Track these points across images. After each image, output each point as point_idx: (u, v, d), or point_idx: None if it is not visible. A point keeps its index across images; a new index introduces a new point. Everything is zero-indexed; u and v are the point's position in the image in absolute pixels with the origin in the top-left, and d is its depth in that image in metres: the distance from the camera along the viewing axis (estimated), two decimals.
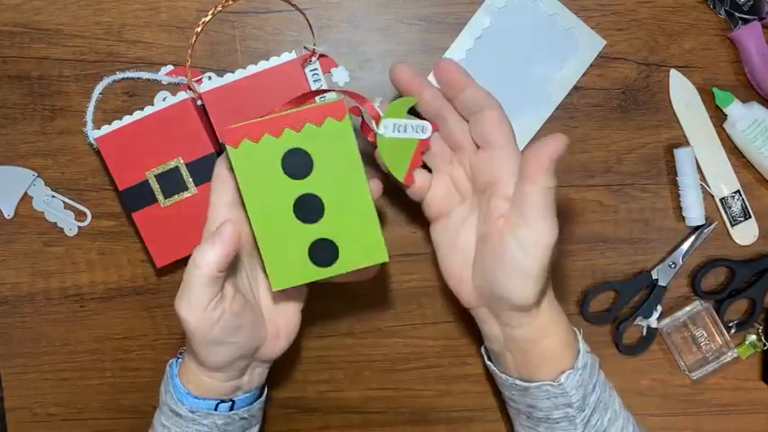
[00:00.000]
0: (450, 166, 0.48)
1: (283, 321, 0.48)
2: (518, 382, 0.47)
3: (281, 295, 0.47)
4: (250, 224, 0.43)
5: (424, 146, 0.47)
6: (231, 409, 0.47)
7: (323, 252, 0.43)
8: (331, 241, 0.43)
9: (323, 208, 0.43)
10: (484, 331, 0.49)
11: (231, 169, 0.43)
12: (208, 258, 0.41)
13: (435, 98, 0.46)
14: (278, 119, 0.42)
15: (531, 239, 0.42)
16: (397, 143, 0.46)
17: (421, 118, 0.47)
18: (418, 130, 0.46)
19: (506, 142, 0.45)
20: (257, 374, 0.49)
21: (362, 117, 0.45)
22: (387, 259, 0.44)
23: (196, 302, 0.42)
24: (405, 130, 0.46)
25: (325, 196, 0.43)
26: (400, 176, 0.47)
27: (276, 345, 0.48)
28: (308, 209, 0.43)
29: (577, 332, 0.48)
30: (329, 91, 0.46)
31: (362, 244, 0.44)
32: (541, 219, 0.42)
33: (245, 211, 0.43)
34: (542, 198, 0.42)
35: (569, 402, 0.45)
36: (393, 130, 0.46)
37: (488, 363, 0.50)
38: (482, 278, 0.46)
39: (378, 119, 0.45)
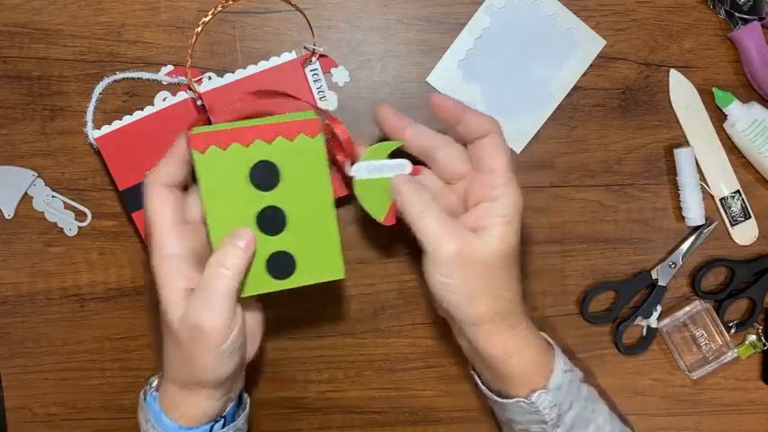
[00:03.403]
0: (443, 197, 0.46)
1: (254, 323, 0.48)
2: (495, 397, 0.47)
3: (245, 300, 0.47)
4: (207, 233, 0.42)
5: None
6: (224, 426, 0.47)
7: (280, 265, 0.43)
8: (289, 254, 0.43)
9: (285, 221, 0.43)
10: (459, 343, 0.49)
11: (193, 177, 0.42)
12: (233, 262, 0.41)
13: (419, 136, 0.45)
14: (249, 128, 0.41)
15: (428, 256, 0.42)
16: (374, 184, 0.45)
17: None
18: (396, 169, 0.45)
19: (501, 167, 0.44)
20: (240, 379, 0.48)
21: (335, 138, 0.45)
22: (343, 276, 0.44)
23: (221, 311, 0.41)
24: (380, 171, 0.45)
25: (289, 210, 0.43)
26: (379, 217, 0.46)
27: (252, 348, 0.48)
28: (270, 221, 0.43)
29: (556, 352, 0.47)
30: (299, 100, 0.45)
31: (321, 260, 0.44)
32: (425, 234, 0.42)
33: (204, 220, 0.42)
34: (412, 209, 0.42)
35: (543, 420, 0.45)
36: (367, 171, 0.45)
37: (472, 372, 0.50)
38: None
39: (353, 159, 0.45)
